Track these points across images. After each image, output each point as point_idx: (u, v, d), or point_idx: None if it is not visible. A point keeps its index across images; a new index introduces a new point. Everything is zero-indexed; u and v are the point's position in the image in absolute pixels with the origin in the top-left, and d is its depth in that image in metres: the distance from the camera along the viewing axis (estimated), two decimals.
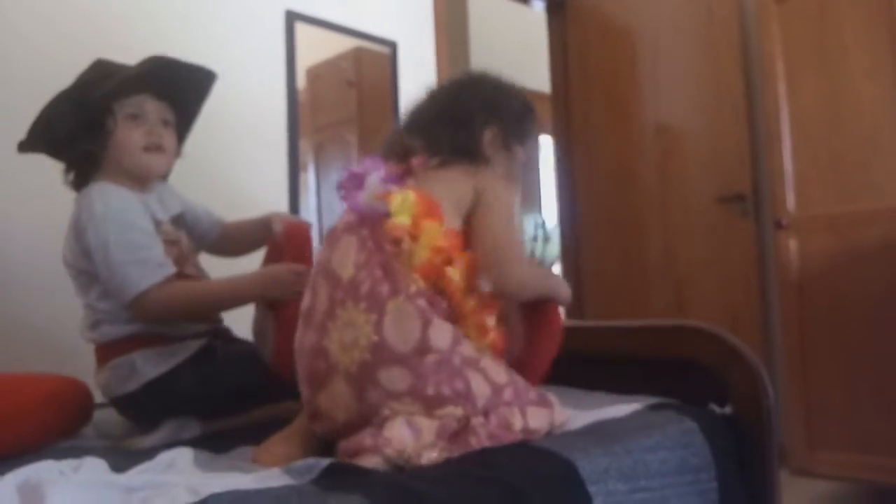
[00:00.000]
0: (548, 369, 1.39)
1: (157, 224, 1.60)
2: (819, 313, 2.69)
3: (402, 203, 1.22)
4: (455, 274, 1.21)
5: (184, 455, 1.22)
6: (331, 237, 1.31)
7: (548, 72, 3.97)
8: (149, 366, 1.52)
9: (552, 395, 1.30)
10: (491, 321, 1.27)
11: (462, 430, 1.15)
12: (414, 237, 1.21)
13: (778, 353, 2.93)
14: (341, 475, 1.03)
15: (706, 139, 3.26)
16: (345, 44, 2.87)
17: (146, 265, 1.48)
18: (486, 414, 1.18)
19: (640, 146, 3.49)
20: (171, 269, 1.52)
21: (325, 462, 1.06)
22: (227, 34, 2.49)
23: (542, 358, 1.37)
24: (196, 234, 1.78)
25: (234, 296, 1.59)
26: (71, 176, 1.63)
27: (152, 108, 1.59)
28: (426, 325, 1.16)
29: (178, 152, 1.70)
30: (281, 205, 2.62)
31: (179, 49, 2.34)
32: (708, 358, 1.50)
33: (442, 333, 1.17)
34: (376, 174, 1.28)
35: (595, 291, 3.65)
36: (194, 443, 1.38)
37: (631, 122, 3.53)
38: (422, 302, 1.17)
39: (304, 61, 2.73)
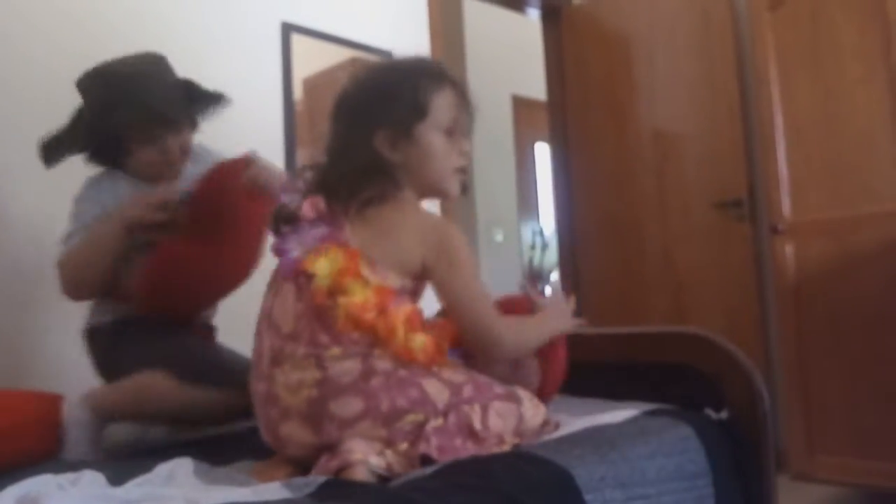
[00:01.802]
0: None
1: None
2: (816, 317, 2.69)
3: (323, 265, 1.19)
4: (383, 327, 1.18)
5: (183, 467, 1.22)
6: (274, 283, 1.29)
7: (544, 79, 3.99)
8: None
9: (525, 392, 1.30)
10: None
11: (417, 435, 1.16)
12: (335, 295, 1.18)
13: (776, 358, 2.93)
14: (338, 488, 1.03)
15: (702, 144, 3.27)
16: (341, 54, 2.88)
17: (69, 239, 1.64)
18: (445, 414, 1.18)
19: (637, 152, 3.50)
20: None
21: (322, 478, 1.06)
22: (224, 46, 2.50)
23: (549, 387, 1.42)
24: None
25: (100, 236, 1.63)
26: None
27: (172, 138, 1.71)
28: (366, 358, 1.17)
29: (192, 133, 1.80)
30: None
31: (175, 62, 2.35)
32: (703, 363, 1.50)
33: (383, 361, 1.18)
34: (311, 230, 1.25)
35: (594, 298, 3.65)
36: (193, 454, 1.38)
37: (627, 128, 3.54)
38: (360, 347, 1.18)
39: (301, 72, 2.74)
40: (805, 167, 2.76)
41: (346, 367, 1.16)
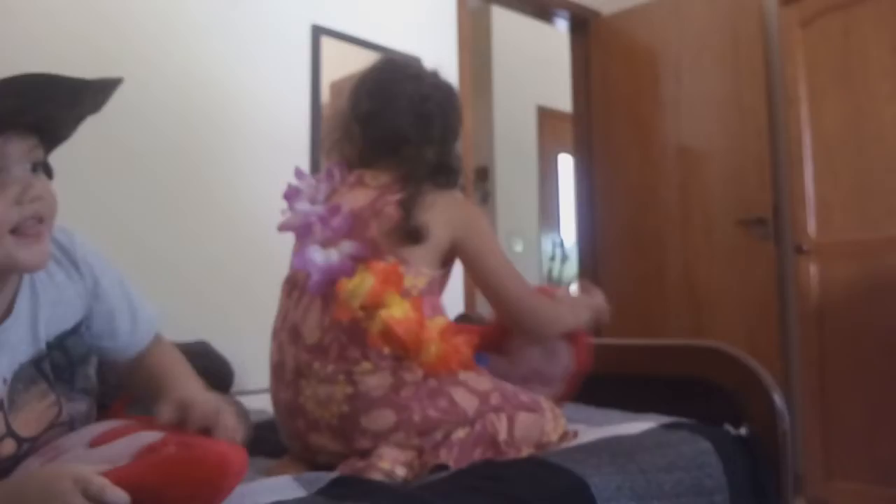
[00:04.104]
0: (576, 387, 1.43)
1: None
2: (839, 341, 2.66)
3: (355, 289, 1.17)
4: (415, 343, 1.18)
5: None
6: (292, 289, 1.28)
7: (570, 90, 3.98)
8: None
9: (548, 402, 1.31)
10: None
11: (441, 441, 1.16)
12: (371, 309, 1.16)
13: (796, 381, 2.89)
14: (350, 486, 1.03)
15: (728, 161, 3.25)
16: (369, 58, 2.89)
17: None
18: (472, 423, 1.19)
19: (662, 167, 3.48)
20: None
21: (333, 474, 1.06)
22: (253, 48, 2.52)
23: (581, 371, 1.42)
24: (100, 353, 1.11)
25: None
26: None
27: (20, 151, 0.91)
28: (395, 370, 1.18)
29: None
30: None
31: (203, 63, 2.37)
32: (723, 378, 1.49)
33: (412, 371, 1.19)
34: (336, 219, 1.23)
35: (613, 311, 3.62)
36: None
37: (653, 143, 3.53)
38: (389, 361, 1.18)
39: (329, 75, 2.75)
40: (832, 187, 2.73)
41: (376, 381, 1.16)
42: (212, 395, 0.98)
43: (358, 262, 1.20)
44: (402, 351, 1.17)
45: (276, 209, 1.40)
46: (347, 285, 1.17)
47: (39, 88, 0.90)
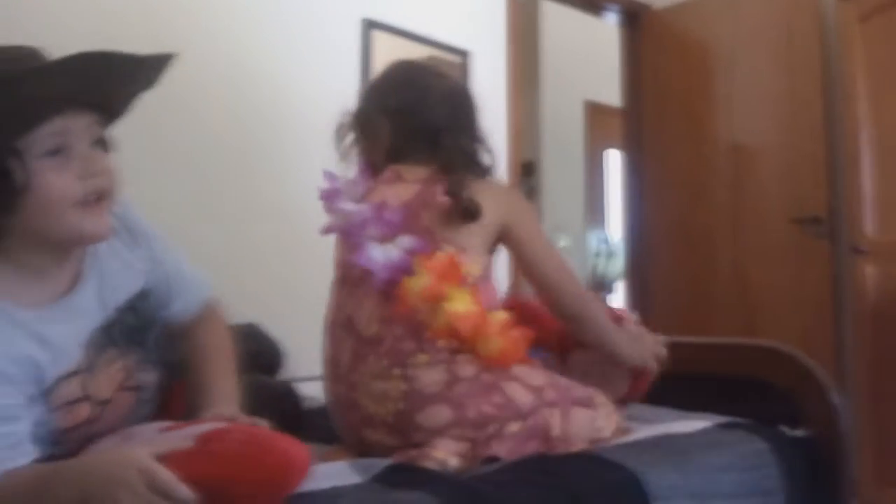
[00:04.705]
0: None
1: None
2: (895, 345, 2.59)
3: (416, 288, 1.18)
4: (473, 336, 1.18)
5: None
6: (348, 283, 1.28)
7: (619, 85, 3.94)
8: None
9: (603, 398, 1.29)
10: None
11: (494, 434, 1.16)
12: (432, 300, 1.17)
13: (850, 384, 2.82)
14: (405, 473, 1.04)
15: (782, 158, 3.18)
16: (418, 52, 2.89)
17: None
18: (526, 417, 1.18)
19: (714, 163, 3.42)
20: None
21: (388, 460, 1.07)
22: (303, 41, 2.53)
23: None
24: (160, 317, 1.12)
25: None
26: None
27: (80, 127, 0.94)
28: (451, 364, 1.18)
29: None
30: None
31: (253, 55, 2.38)
32: (779, 378, 1.46)
33: (466, 366, 1.19)
34: (388, 214, 1.23)
35: (661, 310, 3.57)
36: None
37: (704, 139, 3.47)
38: (445, 354, 1.18)
39: (379, 68, 2.76)
40: (891, 186, 2.66)
41: (431, 378, 1.17)
42: (247, 418, 0.99)
43: (415, 255, 1.20)
44: (462, 344, 1.18)
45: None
46: (409, 285, 1.18)
47: (97, 67, 0.92)
